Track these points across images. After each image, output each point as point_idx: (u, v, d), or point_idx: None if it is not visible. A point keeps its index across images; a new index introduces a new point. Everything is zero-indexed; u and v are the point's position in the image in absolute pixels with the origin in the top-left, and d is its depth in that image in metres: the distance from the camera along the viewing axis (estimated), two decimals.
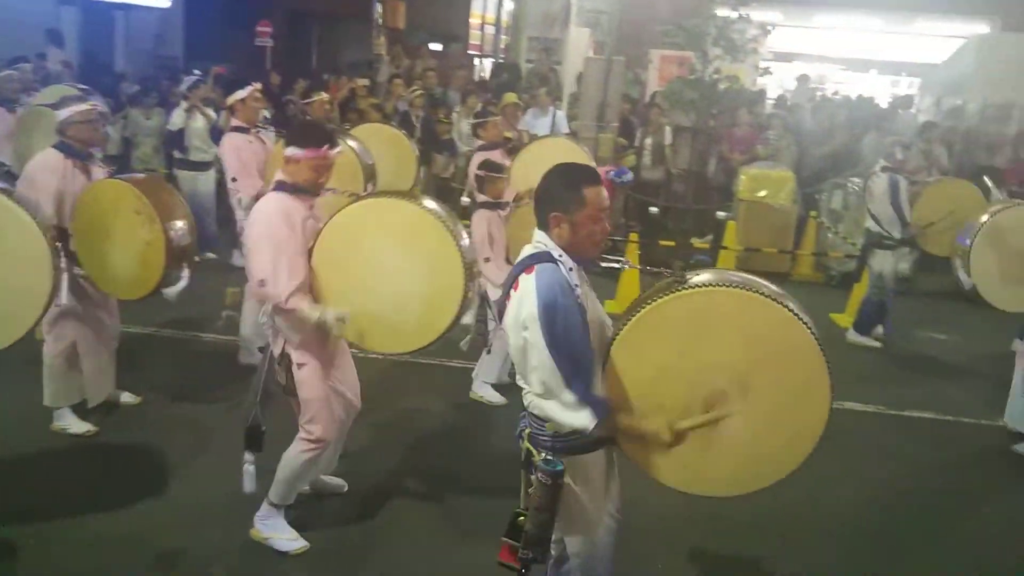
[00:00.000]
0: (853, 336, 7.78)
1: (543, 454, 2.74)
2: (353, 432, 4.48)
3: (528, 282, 2.66)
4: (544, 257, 2.71)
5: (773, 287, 2.78)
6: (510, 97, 9.19)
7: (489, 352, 5.86)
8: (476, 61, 18.80)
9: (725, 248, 9.37)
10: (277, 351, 3.82)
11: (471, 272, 3.76)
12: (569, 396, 2.61)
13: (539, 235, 2.80)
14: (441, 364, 6.35)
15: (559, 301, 2.60)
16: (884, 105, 13.62)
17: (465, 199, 5.87)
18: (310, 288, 3.71)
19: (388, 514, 4.38)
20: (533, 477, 2.75)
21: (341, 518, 4.30)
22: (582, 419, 2.63)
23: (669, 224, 10.94)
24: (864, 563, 4.26)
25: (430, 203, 3.87)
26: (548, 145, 7.37)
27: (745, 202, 10.06)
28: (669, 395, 2.71)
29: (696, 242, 10.47)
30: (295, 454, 3.90)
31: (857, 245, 8.68)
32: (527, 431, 2.82)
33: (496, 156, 6.64)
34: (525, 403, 2.80)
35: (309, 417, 3.86)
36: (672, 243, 9.36)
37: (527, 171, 6.56)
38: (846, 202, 9.86)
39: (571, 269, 2.71)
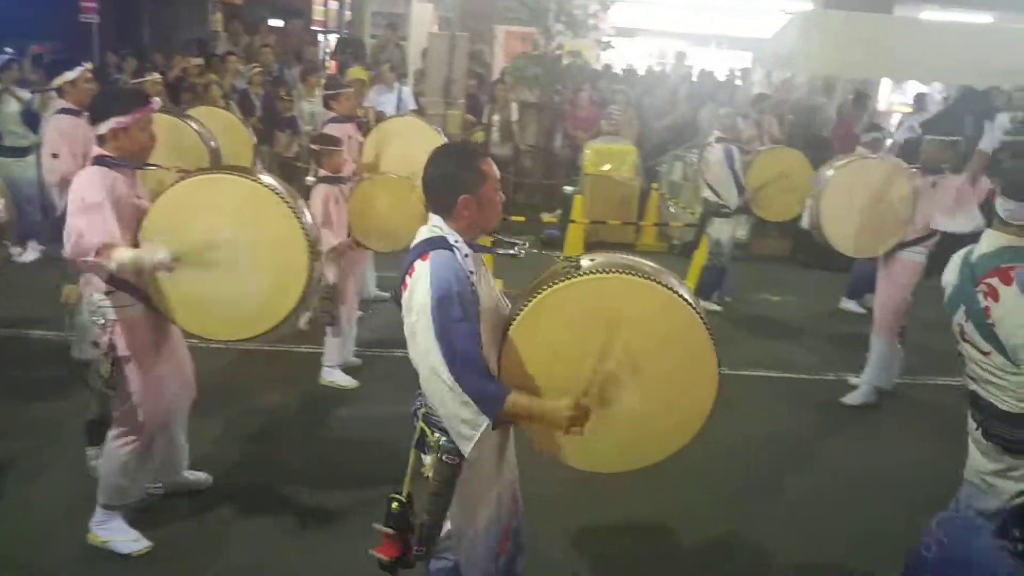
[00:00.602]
0: None
1: (437, 434, 2.69)
2: (202, 426, 4.31)
3: (423, 269, 2.59)
4: (440, 243, 2.65)
5: (662, 270, 2.81)
6: (355, 73, 8.98)
7: (334, 335, 5.78)
8: (320, 37, 18.33)
9: (573, 222, 9.51)
10: (104, 341, 3.57)
11: (315, 251, 3.57)
12: (458, 388, 2.54)
13: (435, 219, 2.73)
14: (289, 351, 6.19)
15: (453, 290, 2.54)
16: (722, 79, 14.19)
17: (310, 179, 5.70)
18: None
19: (237, 510, 4.22)
20: (431, 457, 2.71)
21: (188, 515, 4.12)
22: (471, 412, 2.56)
23: (519, 199, 11.05)
24: (722, 506, 4.54)
25: (268, 178, 3.66)
26: (399, 124, 7.27)
27: (591, 176, 10.25)
28: (564, 377, 2.70)
29: (545, 216, 10.61)
30: (113, 448, 3.71)
31: (696, 215, 8.99)
32: (422, 410, 2.76)
33: (349, 130, 6.55)
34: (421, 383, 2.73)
35: (125, 407, 3.67)
36: (522, 218, 9.42)
37: (380, 149, 6.56)
38: (685, 173, 10.21)
39: (467, 255, 2.66)
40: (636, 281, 2.70)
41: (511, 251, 2.93)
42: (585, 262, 2.79)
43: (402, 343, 2.69)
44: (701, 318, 2.69)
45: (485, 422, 2.56)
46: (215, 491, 4.31)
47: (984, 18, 15.92)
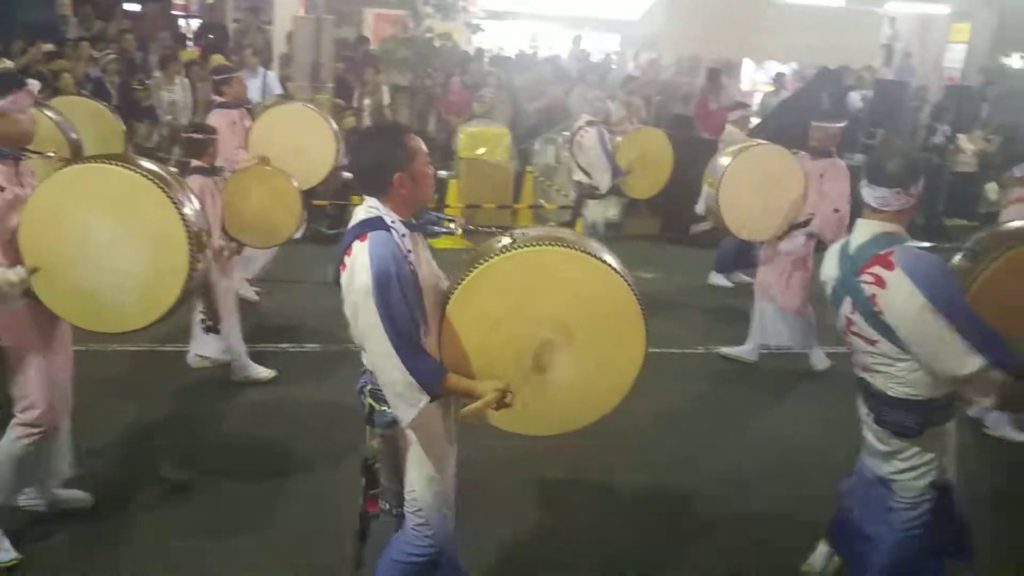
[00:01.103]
0: None
1: (384, 407, 2.81)
2: (93, 431, 4.17)
3: (362, 250, 2.66)
4: (377, 224, 2.71)
5: (590, 241, 2.96)
6: (217, 59, 8.66)
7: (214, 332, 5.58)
8: (181, 22, 17.55)
9: (448, 206, 9.45)
10: None
11: (198, 242, 3.43)
12: (401, 366, 2.65)
13: (371, 200, 2.79)
14: (177, 350, 5.93)
15: (392, 270, 2.62)
16: (594, 60, 14.35)
17: (173, 169, 5.47)
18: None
19: (126, 516, 4.07)
20: (376, 430, 2.89)
21: (71, 524, 3.93)
22: (414, 388, 2.68)
23: None
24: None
25: (147, 164, 3.49)
26: (285, 111, 7.11)
27: (465, 160, 10.21)
28: (503, 346, 2.85)
29: None
30: (10, 440, 3.57)
31: (570, 197, 9.09)
32: (368, 387, 2.86)
33: (235, 116, 6.44)
34: (364, 361, 2.84)
35: (29, 402, 3.54)
36: (326, 203, 9.21)
37: (266, 136, 6.47)
38: (558, 156, 10.30)
39: (404, 235, 2.72)
40: (567, 252, 2.83)
41: (447, 229, 3.07)
42: (519, 235, 2.89)
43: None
44: (630, 285, 2.83)
45: (426, 398, 2.70)
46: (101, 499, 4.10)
47: (836, 0, 16.70)
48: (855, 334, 3.05)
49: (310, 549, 3.86)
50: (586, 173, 8.05)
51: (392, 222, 2.72)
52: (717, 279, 8.72)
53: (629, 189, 8.36)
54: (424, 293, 2.76)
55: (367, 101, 10.93)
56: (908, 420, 3.00)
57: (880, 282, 2.87)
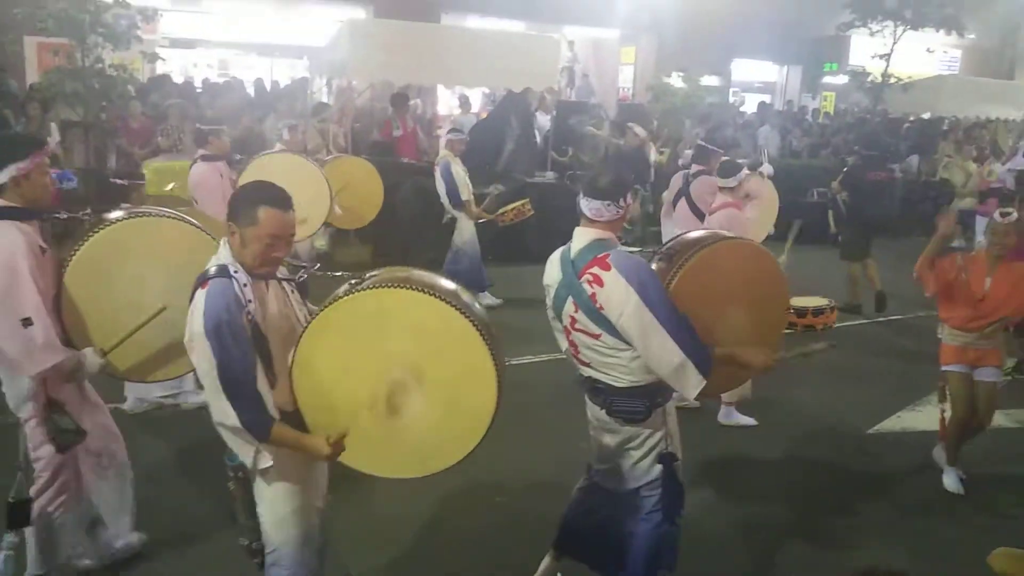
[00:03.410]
0: None
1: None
2: None
3: (200, 298, 2.73)
4: (220, 271, 2.77)
5: (436, 283, 2.94)
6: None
7: None
8: None
9: None
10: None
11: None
12: (233, 417, 2.71)
13: (222, 246, 2.86)
14: None
15: (225, 319, 2.68)
16: (287, 89, 14.05)
17: None
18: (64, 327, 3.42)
19: None
20: (228, 468, 2.95)
21: None
22: (244, 435, 2.76)
23: (74, 230, 9.95)
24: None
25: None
26: (279, 161, 7.43)
27: (154, 197, 9.51)
28: (355, 389, 2.86)
29: None
30: (48, 512, 3.62)
31: None
32: None
33: (221, 168, 6.63)
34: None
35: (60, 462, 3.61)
36: None
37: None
38: None
39: (245, 285, 2.76)
40: (412, 294, 2.84)
41: (295, 276, 3.04)
42: (365, 279, 2.91)
43: None
44: (475, 325, 2.84)
45: (256, 446, 2.80)
46: None
47: (518, 26, 17.65)
48: (579, 330, 3.35)
49: None
50: None
51: (235, 271, 2.77)
52: (488, 300, 8.85)
53: (336, 220, 8.23)
54: (275, 339, 2.84)
55: None
56: (636, 405, 3.36)
57: (599, 281, 3.21)
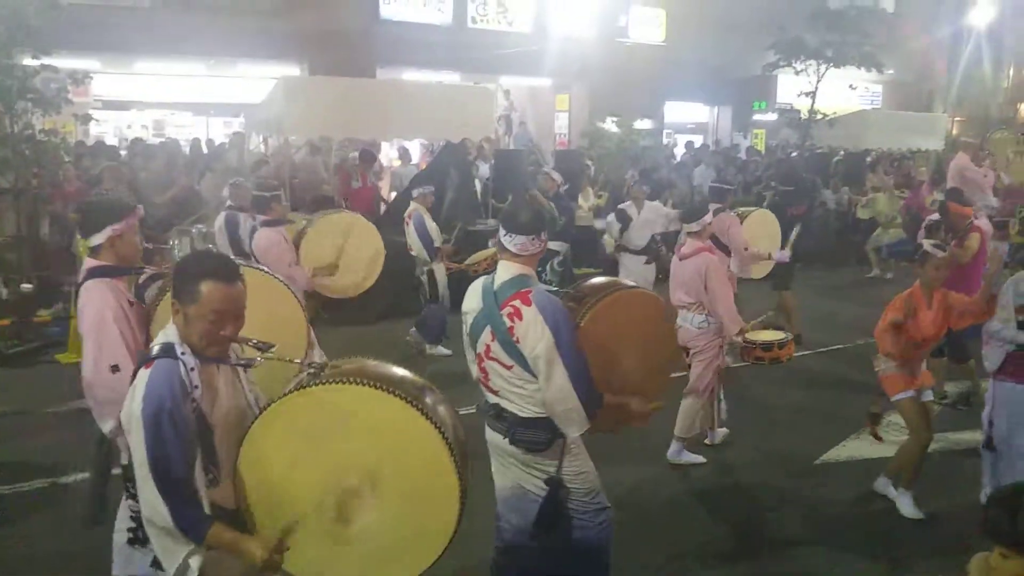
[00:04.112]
0: None
1: (148, 547, 2.66)
2: None
3: (141, 379, 2.53)
4: (166, 351, 2.57)
5: (405, 379, 2.75)
6: None
7: None
8: None
9: (73, 317, 8.60)
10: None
11: None
12: (165, 516, 2.47)
13: (169, 323, 2.66)
14: None
15: (167, 408, 2.46)
16: (224, 147, 13.97)
17: None
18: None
19: None
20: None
21: None
22: (175, 542, 2.50)
23: (7, 297, 9.71)
24: None
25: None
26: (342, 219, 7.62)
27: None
28: (302, 489, 2.62)
29: (42, 314, 9.49)
30: None
31: None
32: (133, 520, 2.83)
33: (282, 233, 6.81)
34: None
35: None
36: (7, 321, 8.26)
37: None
38: (195, 248, 9.81)
39: (192, 368, 2.56)
40: (370, 392, 2.62)
41: (250, 360, 2.79)
42: (326, 371, 2.69)
43: None
44: (439, 429, 2.63)
45: (186, 549, 2.51)
46: None
47: (453, 77, 17.88)
48: (492, 359, 3.44)
49: None
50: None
51: (182, 353, 2.57)
52: (437, 349, 8.90)
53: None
54: (222, 430, 2.64)
55: None
56: (539, 436, 3.45)
57: (519, 314, 3.32)
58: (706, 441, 6.53)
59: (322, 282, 6.97)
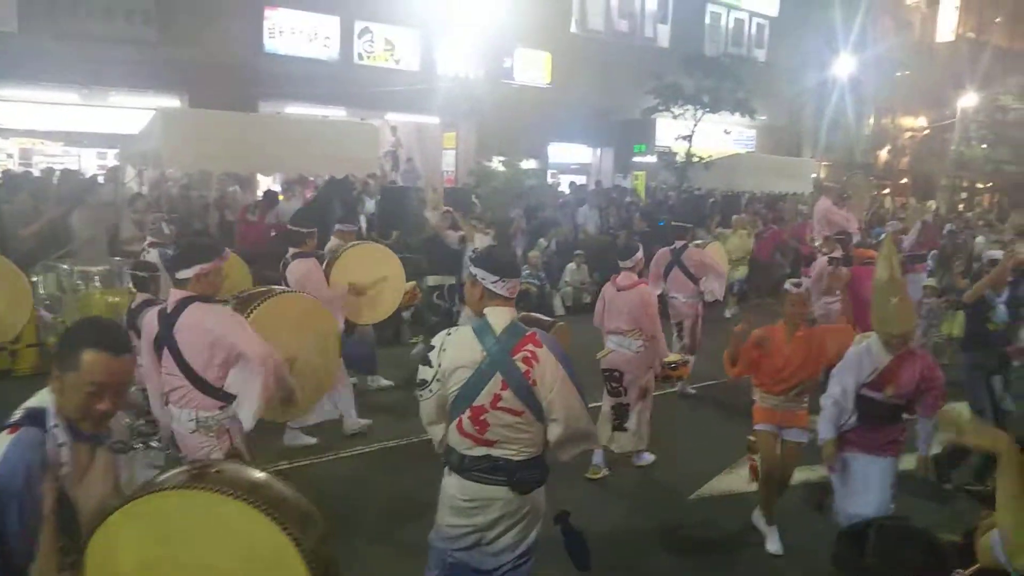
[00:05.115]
0: None
1: None
2: None
3: (1, 442, 2.28)
4: (35, 418, 2.34)
5: (272, 484, 2.51)
6: None
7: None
8: None
9: None
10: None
11: None
12: None
13: (46, 389, 2.46)
14: None
15: (16, 486, 2.23)
16: (99, 179, 13.41)
17: None
18: None
19: None
20: None
21: None
22: None
23: None
24: None
25: None
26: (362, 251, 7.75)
27: None
28: None
29: None
30: None
31: None
32: None
33: (312, 264, 7.06)
34: None
35: None
36: None
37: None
38: (61, 284, 9.39)
39: (63, 444, 2.34)
40: (218, 499, 2.37)
41: (125, 444, 2.60)
42: (211, 472, 2.48)
43: None
44: (295, 540, 2.37)
45: None
46: None
47: (339, 112, 17.78)
48: (501, 408, 3.31)
49: None
50: None
51: (54, 425, 2.36)
52: (378, 382, 8.89)
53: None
54: (91, 511, 2.40)
55: None
56: (535, 475, 3.43)
57: (535, 358, 3.30)
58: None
59: (351, 300, 7.25)
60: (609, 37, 23.20)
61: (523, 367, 3.29)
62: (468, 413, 3.34)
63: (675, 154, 19.06)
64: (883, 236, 11.82)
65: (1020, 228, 14.67)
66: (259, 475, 2.58)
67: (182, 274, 4.10)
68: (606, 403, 6.86)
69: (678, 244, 9.11)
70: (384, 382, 8.97)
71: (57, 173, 13.13)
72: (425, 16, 18.43)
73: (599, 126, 22.19)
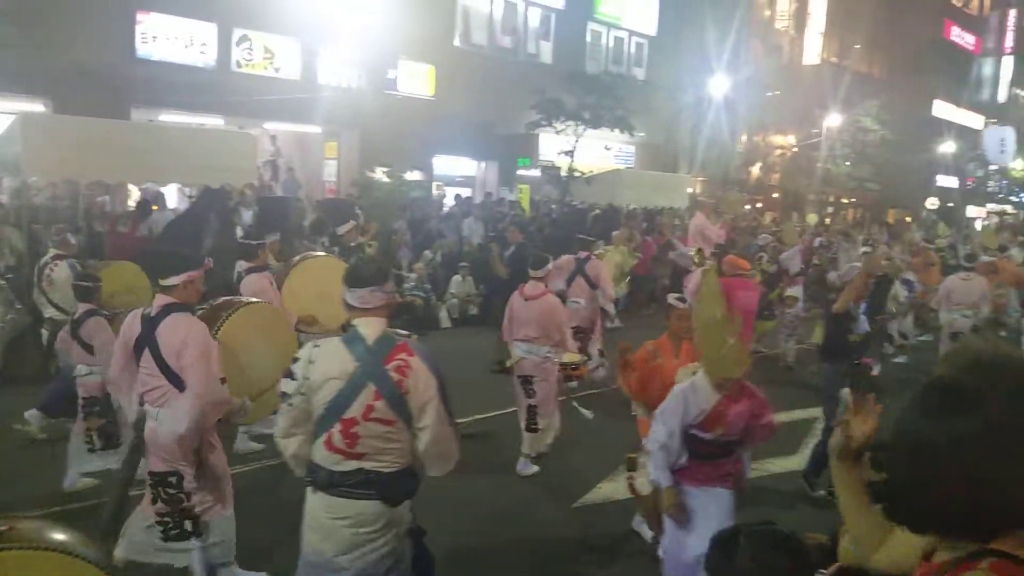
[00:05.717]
0: None
1: None
2: None
3: None
4: None
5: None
6: None
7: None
8: None
9: None
10: None
11: None
12: None
13: None
14: None
15: None
16: None
17: None
18: None
19: None
20: None
21: None
22: None
23: None
24: None
25: None
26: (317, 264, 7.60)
27: None
28: None
29: None
30: None
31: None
32: None
33: (268, 278, 7.22)
34: None
35: None
36: None
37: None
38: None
39: None
40: (31, 554, 2.29)
41: None
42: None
43: None
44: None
45: None
46: None
47: (216, 121, 17.30)
48: (373, 419, 3.29)
49: None
50: (60, 309, 7.45)
51: None
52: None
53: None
54: None
55: None
56: (408, 486, 3.44)
57: (408, 367, 3.32)
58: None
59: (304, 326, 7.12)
60: (493, 52, 23.42)
61: (396, 376, 3.30)
62: (338, 427, 3.32)
63: (558, 168, 19.38)
64: (761, 257, 12.32)
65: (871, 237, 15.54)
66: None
67: (169, 281, 4.35)
68: (521, 408, 7.17)
69: (582, 255, 9.57)
70: None
71: None
72: (306, 25, 18.14)
73: (483, 139, 22.33)
